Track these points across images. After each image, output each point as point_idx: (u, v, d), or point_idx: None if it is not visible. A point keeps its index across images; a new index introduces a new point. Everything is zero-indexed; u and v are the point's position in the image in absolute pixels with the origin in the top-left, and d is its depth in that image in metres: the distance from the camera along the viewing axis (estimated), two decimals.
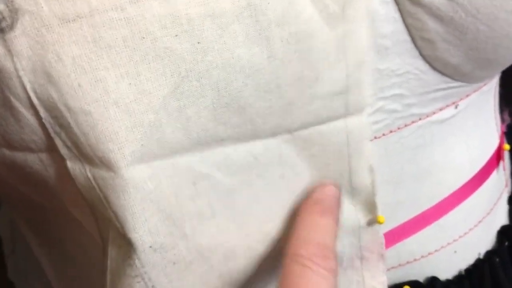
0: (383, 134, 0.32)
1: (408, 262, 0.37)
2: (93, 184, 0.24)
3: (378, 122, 0.32)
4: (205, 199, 0.27)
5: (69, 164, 0.25)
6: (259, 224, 0.29)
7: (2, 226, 0.44)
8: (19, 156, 0.25)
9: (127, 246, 0.25)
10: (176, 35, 0.23)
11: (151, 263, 0.26)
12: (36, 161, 0.25)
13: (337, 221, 0.29)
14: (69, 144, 0.24)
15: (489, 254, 0.40)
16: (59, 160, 0.25)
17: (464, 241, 0.38)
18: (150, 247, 0.25)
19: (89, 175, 0.24)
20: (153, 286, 0.26)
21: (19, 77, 0.23)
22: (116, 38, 0.23)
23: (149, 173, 0.25)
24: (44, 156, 0.25)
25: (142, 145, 0.24)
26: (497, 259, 0.40)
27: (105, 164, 0.24)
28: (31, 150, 0.25)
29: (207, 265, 0.28)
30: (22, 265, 0.43)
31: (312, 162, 0.30)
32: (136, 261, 0.25)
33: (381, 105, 0.31)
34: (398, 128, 0.33)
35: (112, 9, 0.23)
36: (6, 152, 0.26)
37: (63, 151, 0.24)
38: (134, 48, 0.23)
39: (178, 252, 0.26)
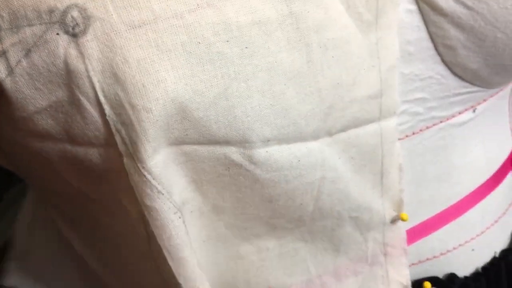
0: (406, 136, 0.34)
1: (427, 259, 0.38)
2: (148, 178, 0.27)
3: (402, 124, 0.33)
4: (233, 181, 0.29)
5: (125, 160, 0.27)
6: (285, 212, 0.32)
7: (19, 230, 0.45)
8: (81, 150, 0.28)
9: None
10: (227, 41, 0.26)
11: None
12: (96, 155, 0.27)
13: None
14: (127, 141, 0.26)
15: (504, 252, 0.41)
16: (117, 155, 0.27)
17: (481, 239, 0.39)
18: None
19: (144, 172, 0.26)
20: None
21: (89, 77, 0.25)
22: (176, 43, 0.25)
23: (185, 152, 0.28)
24: (103, 150, 0.27)
25: (186, 134, 0.27)
26: None
27: (158, 153, 0.26)
28: (92, 144, 0.27)
29: (218, 217, 0.31)
30: (35, 269, 0.43)
31: (350, 164, 0.32)
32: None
33: (405, 108, 0.33)
34: (420, 130, 0.35)
35: (173, 16, 0.25)
36: (68, 147, 0.28)
37: (121, 148, 0.26)
38: (190, 52, 0.25)
39: (196, 203, 0.30)
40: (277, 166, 0.29)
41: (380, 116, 0.31)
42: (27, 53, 0.25)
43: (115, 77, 0.25)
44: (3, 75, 0.26)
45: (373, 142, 0.32)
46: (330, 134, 0.30)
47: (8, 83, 0.26)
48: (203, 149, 0.28)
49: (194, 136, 0.27)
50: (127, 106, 0.25)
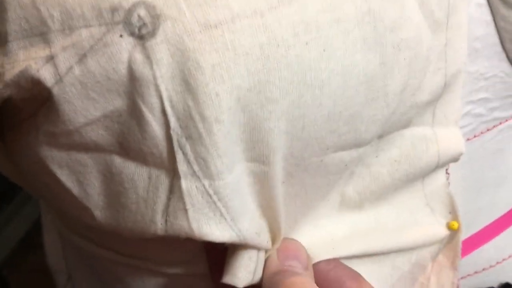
0: (468, 139, 0.32)
1: (484, 269, 0.36)
2: (213, 199, 0.24)
3: (464, 127, 0.31)
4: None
5: (183, 183, 0.23)
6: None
7: (53, 256, 0.42)
8: (129, 166, 0.24)
9: None
10: (307, 43, 0.23)
11: None
12: (144, 176, 0.24)
13: None
14: (191, 158, 0.23)
15: None
16: (168, 180, 0.24)
17: None
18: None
19: (210, 190, 0.23)
20: None
21: (156, 85, 0.22)
22: (254, 45, 0.22)
23: (253, 171, 0.25)
24: (154, 172, 0.24)
25: (253, 147, 0.24)
26: None
27: (230, 173, 0.23)
28: (145, 162, 0.24)
29: None
30: None
31: (389, 164, 0.29)
32: None
33: (468, 109, 0.31)
34: (481, 133, 0.32)
35: (252, 15, 0.22)
36: (117, 160, 0.24)
37: (182, 167, 0.23)
38: (268, 56, 0.22)
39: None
40: (326, 172, 0.27)
41: (433, 122, 0.29)
42: (81, 58, 0.21)
43: (186, 85, 0.22)
44: (49, 84, 0.22)
45: (419, 144, 0.29)
46: (380, 137, 0.28)
47: (55, 93, 0.22)
48: (267, 168, 0.25)
49: (258, 151, 0.24)
50: (196, 117, 0.22)
